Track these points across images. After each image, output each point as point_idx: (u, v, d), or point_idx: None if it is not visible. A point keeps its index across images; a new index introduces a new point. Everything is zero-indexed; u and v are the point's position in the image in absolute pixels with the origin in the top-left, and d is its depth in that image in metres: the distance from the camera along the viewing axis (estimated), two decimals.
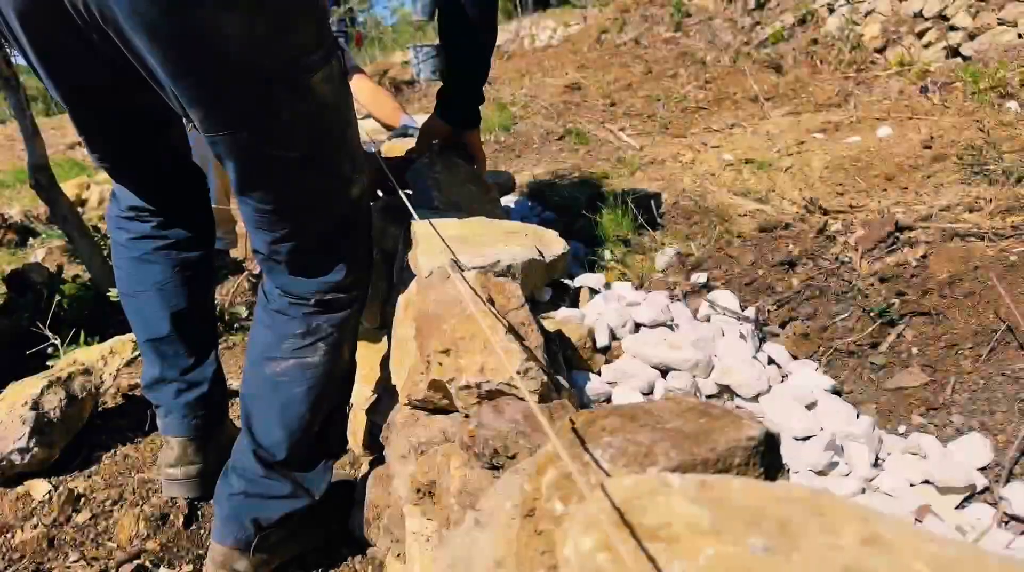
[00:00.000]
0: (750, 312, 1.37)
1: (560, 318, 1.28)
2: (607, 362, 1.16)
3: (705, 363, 1.09)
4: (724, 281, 1.53)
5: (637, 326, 1.22)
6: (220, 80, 1.08)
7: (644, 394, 1.10)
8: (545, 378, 0.90)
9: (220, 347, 2.88)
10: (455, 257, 1.15)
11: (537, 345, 0.99)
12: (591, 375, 1.11)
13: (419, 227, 1.43)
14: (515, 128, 4.20)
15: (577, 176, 3.10)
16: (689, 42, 6.94)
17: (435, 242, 1.37)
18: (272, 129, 1.17)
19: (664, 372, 1.11)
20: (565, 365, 1.11)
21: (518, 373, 0.89)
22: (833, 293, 1.34)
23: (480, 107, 1.77)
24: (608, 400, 1.10)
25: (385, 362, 2.08)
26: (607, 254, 2.01)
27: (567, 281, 1.57)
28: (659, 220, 2.35)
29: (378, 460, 2.01)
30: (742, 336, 1.25)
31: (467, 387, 0.95)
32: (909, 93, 3.81)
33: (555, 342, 1.12)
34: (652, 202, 2.53)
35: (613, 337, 1.18)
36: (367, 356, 2.07)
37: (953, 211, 2.07)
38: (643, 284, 1.78)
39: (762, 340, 1.32)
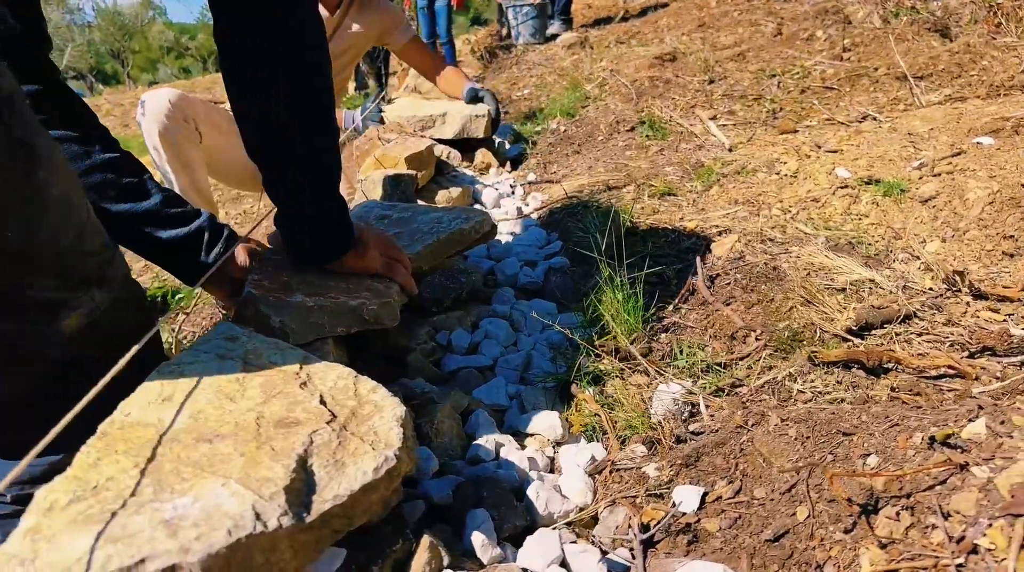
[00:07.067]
0: None
1: None
2: None
3: None
4: (726, 519, 0.81)
5: None
6: None
7: None
8: None
9: None
10: None
11: None
12: None
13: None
14: (583, 114, 3.44)
15: (629, 192, 2.35)
16: None
17: (127, 441, 0.77)
18: None
19: None
20: None
21: None
22: None
23: (347, 225, 1.13)
24: None
25: None
26: (587, 374, 1.31)
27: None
28: (707, 291, 1.60)
29: None
30: None
31: None
32: None
33: None
34: (701, 253, 1.76)
35: None
36: None
37: None
38: (622, 446, 1.09)
39: None
